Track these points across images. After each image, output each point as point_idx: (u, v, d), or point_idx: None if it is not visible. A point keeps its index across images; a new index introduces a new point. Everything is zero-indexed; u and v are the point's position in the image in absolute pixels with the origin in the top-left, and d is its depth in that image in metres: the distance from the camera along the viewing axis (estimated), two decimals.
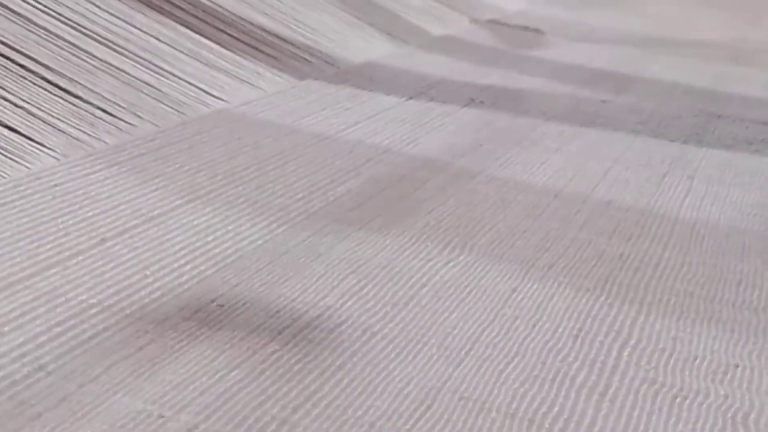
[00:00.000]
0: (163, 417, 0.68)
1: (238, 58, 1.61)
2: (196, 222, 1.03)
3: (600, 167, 1.37)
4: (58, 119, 1.21)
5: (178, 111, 1.37)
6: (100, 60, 1.37)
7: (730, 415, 0.78)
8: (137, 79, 1.38)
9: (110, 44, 1.42)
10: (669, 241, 1.13)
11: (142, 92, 1.36)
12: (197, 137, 1.29)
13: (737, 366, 0.85)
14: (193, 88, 1.45)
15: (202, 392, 0.72)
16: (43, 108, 1.22)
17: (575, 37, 2.33)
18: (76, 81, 1.29)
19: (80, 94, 1.27)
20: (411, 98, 1.59)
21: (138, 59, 1.43)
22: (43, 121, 1.20)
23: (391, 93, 1.60)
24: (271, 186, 1.16)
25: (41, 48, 1.31)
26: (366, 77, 1.67)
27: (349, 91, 1.58)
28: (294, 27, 1.82)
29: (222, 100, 1.44)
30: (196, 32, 1.61)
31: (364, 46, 1.89)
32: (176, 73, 1.46)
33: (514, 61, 1.99)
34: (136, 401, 0.70)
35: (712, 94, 1.89)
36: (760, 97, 1.90)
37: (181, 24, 1.61)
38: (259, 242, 1.00)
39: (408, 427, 0.71)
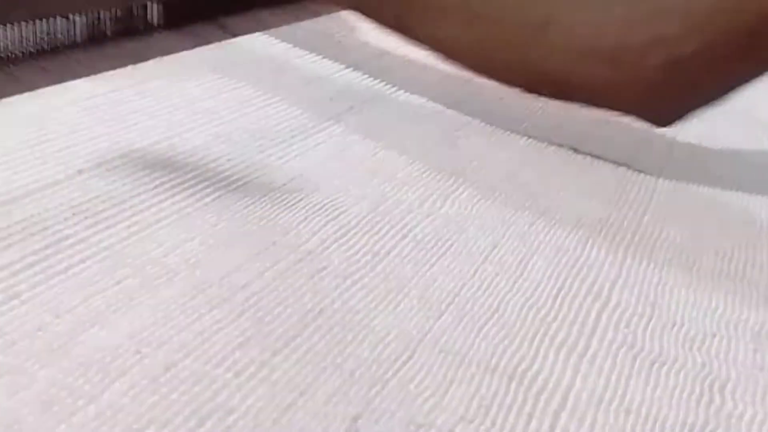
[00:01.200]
0: (140, 353, 0.67)
1: None
2: (174, 159, 1.01)
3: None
4: None
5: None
6: None
7: (707, 383, 0.78)
8: None
9: None
10: (648, 208, 1.12)
11: None
12: (175, 74, 1.26)
13: (714, 335, 0.86)
14: None
15: (180, 330, 0.71)
16: None
17: None
18: None
19: None
20: None
21: None
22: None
23: None
24: (253, 127, 1.14)
25: None
26: None
27: None
28: None
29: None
30: None
31: None
32: None
33: None
34: (113, 335, 0.68)
35: None
36: None
37: None
38: (240, 182, 0.98)
39: (388, 376, 0.70)
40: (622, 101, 1.20)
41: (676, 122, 1.24)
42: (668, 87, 1.16)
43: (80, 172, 0.93)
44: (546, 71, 1.21)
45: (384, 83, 1.41)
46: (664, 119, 1.23)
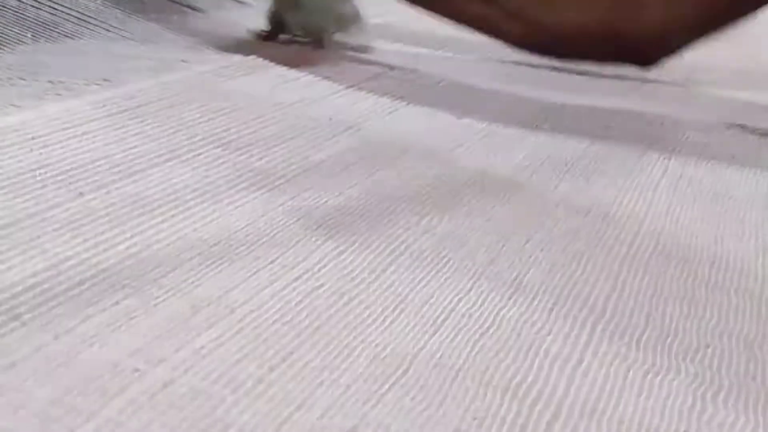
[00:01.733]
0: (138, 370, 0.68)
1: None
2: (174, 181, 1.02)
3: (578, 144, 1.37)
4: None
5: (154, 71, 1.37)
6: None
7: (700, 392, 0.79)
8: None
9: None
10: (645, 220, 1.13)
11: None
12: (176, 98, 1.28)
13: (708, 346, 0.86)
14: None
15: (179, 348, 0.72)
16: None
17: None
18: None
19: None
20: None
21: None
22: None
23: None
24: (250, 149, 1.15)
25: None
26: None
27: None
28: None
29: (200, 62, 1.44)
30: None
31: None
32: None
33: None
34: (111, 354, 0.70)
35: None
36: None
37: None
38: (238, 203, 1.00)
39: (383, 391, 0.71)
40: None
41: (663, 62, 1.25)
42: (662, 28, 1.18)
43: (81, 194, 0.95)
44: (541, 22, 1.23)
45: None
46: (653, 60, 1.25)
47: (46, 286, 0.77)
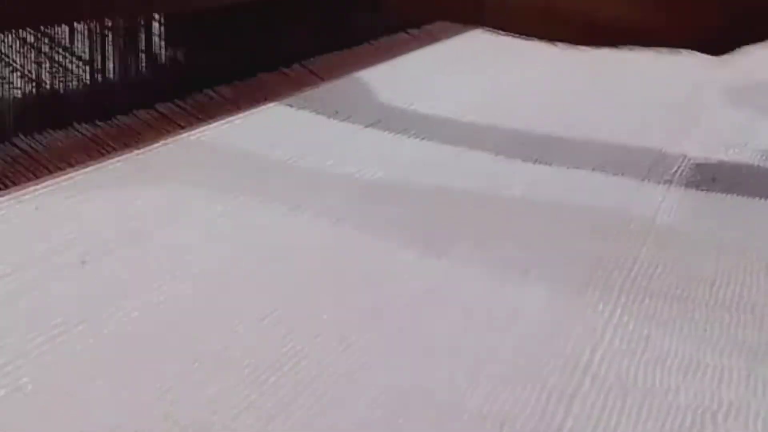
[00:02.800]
0: None
1: None
2: (177, 243, 1.05)
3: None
4: None
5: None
6: None
7: (699, 412, 0.79)
8: None
9: None
10: (646, 241, 1.14)
11: None
12: (176, 159, 1.31)
13: (708, 365, 0.87)
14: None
15: (181, 403, 0.74)
16: None
17: None
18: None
19: None
20: None
21: None
22: None
23: None
24: (253, 203, 1.18)
25: None
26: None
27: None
28: None
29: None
30: None
31: None
32: None
33: None
34: (115, 415, 0.71)
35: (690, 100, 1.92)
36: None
37: None
38: (239, 258, 1.02)
39: None
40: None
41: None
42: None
43: (84, 262, 0.97)
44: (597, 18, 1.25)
45: None
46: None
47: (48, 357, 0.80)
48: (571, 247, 1.11)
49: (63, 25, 1.29)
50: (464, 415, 0.76)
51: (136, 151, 1.31)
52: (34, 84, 1.27)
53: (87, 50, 1.33)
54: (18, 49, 1.25)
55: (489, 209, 1.23)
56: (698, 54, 1.31)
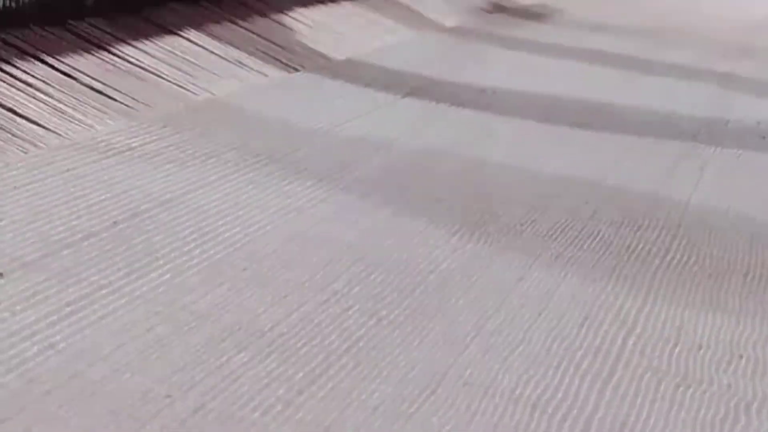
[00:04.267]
0: (170, 397, 0.69)
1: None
2: (206, 207, 1.04)
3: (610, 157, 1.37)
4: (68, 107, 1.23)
5: (183, 100, 1.39)
6: None
7: (733, 404, 0.78)
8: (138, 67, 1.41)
9: None
10: (678, 232, 1.13)
11: (145, 81, 1.38)
12: (206, 125, 1.30)
13: (741, 356, 0.86)
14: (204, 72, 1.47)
15: (209, 373, 0.73)
16: (53, 96, 1.24)
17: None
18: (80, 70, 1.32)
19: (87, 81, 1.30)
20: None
21: None
22: (54, 108, 1.22)
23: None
24: (281, 173, 1.17)
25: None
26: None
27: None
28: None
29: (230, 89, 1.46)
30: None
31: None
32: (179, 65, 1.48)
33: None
34: (144, 381, 0.71)
35: (727, 81, 1.90)
36: None
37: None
38: (268, 228, 1.01)
39: (412, 410, 0.72)
40: None
41: None
42: None
43: (115, 223, 0.96)
44: None
45: None
46: None
47: (81, 314, 0.79)
48: (602, 233, 1.10)
49: None
50: (496, 397, 0.75)
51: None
52: None
53: None
54: None
55: (525, 188, 1.22)
56: None
